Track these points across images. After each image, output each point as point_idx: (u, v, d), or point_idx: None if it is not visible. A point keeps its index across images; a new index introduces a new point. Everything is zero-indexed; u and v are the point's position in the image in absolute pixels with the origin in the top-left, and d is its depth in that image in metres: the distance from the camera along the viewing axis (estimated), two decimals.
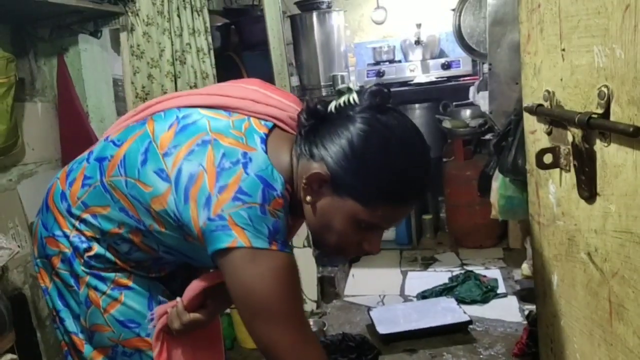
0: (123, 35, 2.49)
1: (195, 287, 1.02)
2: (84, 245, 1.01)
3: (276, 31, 2.78)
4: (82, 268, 1.02)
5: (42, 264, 1.09)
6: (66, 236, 1.02)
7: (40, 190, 2.36)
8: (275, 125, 1.00)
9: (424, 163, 0.92)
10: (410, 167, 0.89)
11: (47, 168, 2.43)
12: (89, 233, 1.01)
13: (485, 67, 2.72)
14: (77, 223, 1.01)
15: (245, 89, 1.05)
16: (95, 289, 1.02)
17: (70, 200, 1.02)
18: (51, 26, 2.39)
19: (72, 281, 1.03)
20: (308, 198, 0.92)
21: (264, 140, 0.93)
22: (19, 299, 2.13)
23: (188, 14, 2.52)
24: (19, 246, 2.04)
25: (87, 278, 1.02)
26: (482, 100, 2.57)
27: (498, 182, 2.55)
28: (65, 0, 2.03)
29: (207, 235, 0.87)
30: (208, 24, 2.61)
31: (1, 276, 2.04)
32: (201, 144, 0.91)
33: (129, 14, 2.44)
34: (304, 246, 2.73)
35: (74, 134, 2.48)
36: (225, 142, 0.91)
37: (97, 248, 1.01)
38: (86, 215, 1.00)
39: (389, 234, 3.59)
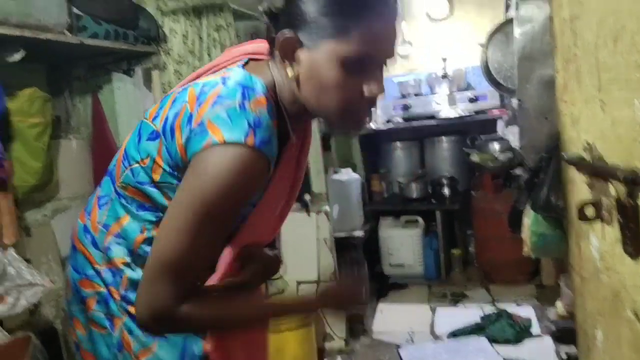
0: (155, 74, 2.56)
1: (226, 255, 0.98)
2: (117, 278, 0.99)
3: None
4: (119, 306, 1.00)
5: (77, 312, 1.09)
6: (98, 273, 1.01)
7: (73, 224, 2.41)
8: (250, 59, 0.98)
9: None
10: None
11: (80, 203, 2.48)
12: (118, 260, 0.98)
13: (514, 102, 2.70)
14: (104, 254, 1.00)
15: (229, 50, 1.07)
16: (130, 332, 1.01)
17: (92, 230, 1.02)
18: (86, 65, 2.46)
19: (106, 323, 1.02)
20: (290, 72, 0.88)
21: (242, 66, 0.93)
22: (50, 334, 2.15)
23: (218, 52, 2.57)
24: (51, 281, 2.07)
25: (124, 319, 0.99)
26: (511, 135, 2.55)
27: (530, 218, 2.49)
28: (101, 43, 2.10)
29: (187, 149, 0.84)
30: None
31: (34, 312, 2.07)
32: (182, 91, 0.92)
33: (161, 53, 2.51)
34: (331, 281, 2.72)
35: (107, 169, 2.54)
36: (205, 80, 0.91)
37: (129, 273, 0.98)
38: (109, 239, 0.99)
39: (417, 267, 3.54)
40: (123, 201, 0.98)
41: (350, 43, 0.82)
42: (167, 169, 0.91)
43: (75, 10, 2.02)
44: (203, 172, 0.83)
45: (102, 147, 2.53)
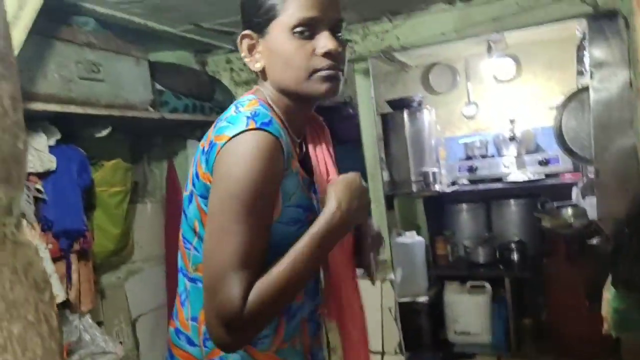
0: None
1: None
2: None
3: (369, 129, 2.85)
4: None
5: None
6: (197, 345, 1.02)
7: (145, 286, 2.50)
8: None
9: None
10: None
11: (153, 265, 2.56)
12: (217, 349, 0.98)
13: (590, 170, 2.59)
14: (202, 347, 1.01)
15: None
16: None
17: (184, 329, 1.04)
18: (164, 134, 2.60)
19: None
20: (257, 65, 1.00)
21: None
22: None
23: None
24: (121, 342, 2.13)
25: None
26: (588, 206, 2.42)
27: (610, 293, 2.34)
28: (180, 116, 2.22)
29: (209, 171, 0.92)
30: None
31: None
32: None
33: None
34: (396, 352, 2.63)
35: (178, 233, 2.63)
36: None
37: (232, 356, 1.00)
38: (202, 328, 1.00)
39: (484, 336, 3.37)
40: (199, 284, 0.98)
41: (290, 14, 0.94)
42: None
43: (157, 86, 2.15)
44: (222, 171, 0.90)
45: (174, 211, 2.63)
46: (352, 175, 0.99)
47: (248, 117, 0.91)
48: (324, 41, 0.95)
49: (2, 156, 0.46)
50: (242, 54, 1.01)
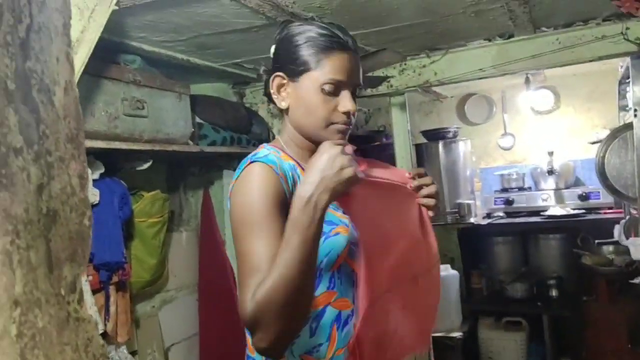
0: None
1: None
2: None
3: (405, 162, 2.83)
4: None
5: None
6: None
7: (178, 315, 2.52)
8: None
9: (322, 27, 1.12)
10: (314, 29, 1.11)
11: (186, 293, 2.58)
12: None
13: (634, 211, 2.51)
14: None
15: None
16: None
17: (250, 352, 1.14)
18: (201, 164, 2.64)
19: None
20: (283, 104, 1.13)
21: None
22: None
23: None
24: None
25: None
26: (632, 247, 2.34)
27: None
28: (218, 149, 2.25)
29: None
30: None
31: None
32: None
33: (278, 139, 2.63)
34: None
35: (211, 261, 2.65)
36: None
37: None
38: None
39: None
40: None
41: (323, 72, 1.08)
42: None
43: (197, 119, 2.20)
44: (230, 206, 1.07)
45: (208, 240, 2.65)
46: (323, 148, 0.99)
47: (248, 159, 1.09)
48: (346, 102, 1.10)
49: (69, 235, 0.47)
50: (272, 91, 1.15)
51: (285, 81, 1.13)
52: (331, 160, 0.93)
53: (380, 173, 1.18)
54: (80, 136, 0.49)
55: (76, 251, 0.48)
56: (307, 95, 1.10)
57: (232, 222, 1.04)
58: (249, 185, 1.03)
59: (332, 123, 1.10)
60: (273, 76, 1.14)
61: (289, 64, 1.11)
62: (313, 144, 1.13)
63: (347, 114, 1.10)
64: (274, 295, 0.90)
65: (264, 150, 1.11)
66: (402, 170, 1.26)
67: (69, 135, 0.49)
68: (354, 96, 1.13)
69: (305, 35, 1.11)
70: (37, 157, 0.45)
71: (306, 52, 1.09)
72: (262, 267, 0.94)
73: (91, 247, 0.50)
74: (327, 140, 1.04)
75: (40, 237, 0.44)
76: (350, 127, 1.13)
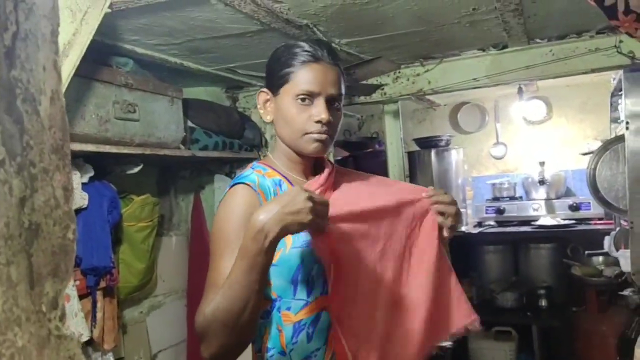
0: None
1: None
2: None
3: (397, 169, 2.83)
4: None
5: None
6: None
7: (166, 321, 2.49)
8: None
9: (303, 43, 1.19)
10: (292, 46, 1.18)
11: (174, 298, 2.55)
12: None
13: (624, 223, 2.52)
14: None
15: None
16: None
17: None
18: (192, 168, 2.62)
19: None
20: (268, 117, 1.21)
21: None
22: None
23: None
24: None
25: None
26: (622, 258, 2.35)
27: None
28: (210, 154, 2.23)
29: None
30: (332, 160, 2.74)
31: None
32: None
33: (262, 158, 2.62)
34: None
35: (201, 266, 2.62)
36: None
37: None
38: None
39: None
40: (259, 320, 1.11)
41: (297, 83, 1.14)
42: None
43: (190, 123, 2.18)
44: (212, 226, 1.16)
45: (198, 244, 2.62)
46: (295, 188, 1.02)
47: (232, 182, 1.17)
48: (318, 110, 1.14)
49: (52, 249, 0.46)
50: (258, 106, 1.23)
51: (269, 96, 1.20)
52: (294, 199, 0.95)
53: (383, 192, 1.20)
54: (65, 147, 0.48)
55: (59, 266, 0.46)
56: (284, 106, 1.16)
57: (211, 233, 1.15)
58: (225, 208, 1.12)
59: (308, 133, 1.15)
60: (259, 93, 1.23)
61: (271, 79, 1.20)
62: (298, 155, 1.20)
63: (320, 122, 1.14)
64: (217, 313, 0.98)
65: (249, 170, 1.19)
66: (419, 187, 1.27)
67: (54, 145, 0.47)
68: (333, 108, 1.17)
69: (287, 51, 1.18)
70: (20, 169, 0.43)
71: (284, 66, 1.17)
72: (219, 284, 1.01)
73: (74, 258, 0.48)
74: (303, 149, 1.17)
75: (21, 252, 0.42)
76: (329, 136, 1.17)
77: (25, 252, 0.43)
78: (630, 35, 1.16)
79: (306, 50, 1.16)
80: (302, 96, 1.14)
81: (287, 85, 1.15)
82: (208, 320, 0.98)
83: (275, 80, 1.18)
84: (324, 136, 1.16)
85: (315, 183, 1.19)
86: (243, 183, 1.13)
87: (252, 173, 1.17)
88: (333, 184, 1.23)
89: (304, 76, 1.15)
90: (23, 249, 0.43)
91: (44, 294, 0.45)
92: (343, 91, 1.21)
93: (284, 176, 1.20)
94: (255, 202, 1.11)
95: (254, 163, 1.25)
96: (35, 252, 0.44)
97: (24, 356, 0.42)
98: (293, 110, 1.15)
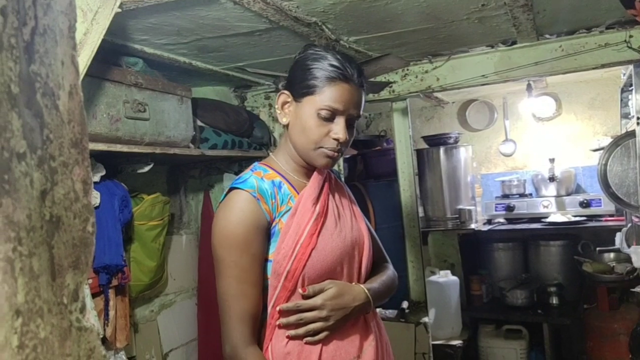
0: None
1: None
2: None
3: (406, 167, 2.82)
4: None
5: None
6: None
7: (177, 320, 2.50)
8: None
9: (335, 58, 1.20)
10: (322, 57, 1.19)
11: (185, 297, 2.57)
12: None
13: (635, 219, 2.50)
14: None
15: None
16: None
17: None
18: (201, 167, 2.63)
19: None
20: (284, 120, 1.23)
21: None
22: None
23: None
24: None
25: None
26: (634, 255, 2.33)
27: None
28: (219, 153, 2.24)
29: None
30: (341, 159, 2.74)
31: None
32: None
33: (271, 155, 2.62)
34: None
35: (211, 265, 2.62)
36: None
37: None
38: None
39: None
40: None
41: (323, 98, 1.16)
42: None
43: (199, 122, 2.19)
44: (213, 229, 1.18)
45: (208, 243, 2.63)
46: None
47: (231, 185, 1.20)
48: (338, 129, 1.18)
49: (73, 242, 0.46)
50: (276, 106, 1.25)
51: (289, 99, 1.22)
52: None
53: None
54: (84, 141, 0.48)
55: (79, 258, 0.47)
56: (305, 116, 1.18)
57: (212, 243, 1.17)
58: (227, 214, 1.16)
59: (321, 147, 1.19)
60: (279, 93, 1.24)
61: (296, 85, 1.21)
62: (305, 161, 1.24)
63: (337, 140, 1.18)
64: None
65: (248, 172, 1.23)
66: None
67: (73, 140, 0.48)
68: (350, 127, 1.22)
69: (317, 62, 1.19)
70: (41, 162, 0.44)
71: (312, 77, 1.18)
72: (249, 308, 1.14)
73: (93, 252, 0.49)
74: (313, 161, 1.21)
75: (42, 244, 0.43)
76: (340, 154, 1.21)
77: (47, 244, 0.43)
78: (636, 23, 1.14)
79: (336, 67, 1.17)
80: (325, 113, 1.17)
81: (311, 97, 1.18)
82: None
83: (299, 88, 1.20)
84: (336, 154, 1.20)
85: (313, 190, 1.24)
86: (241, 189, 1.16)
87: (251, 176, 1.20)
88: (328, 189, 1.29)
89: (331, 94, 1.17)
90: (44, 240, 0.43)
91: (65, 285, 0.45)
92: (362, 112, 1.25)
93: (284, 177, 1.24)
94: (256, 209, 1.15)
95: (255, 164, 1.28)
96: (57, 244, 0.44)
97: (46, 347, 0.42)
98: (312, 122, 1.17)
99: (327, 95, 1.16)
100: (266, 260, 1.18)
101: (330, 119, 1.17)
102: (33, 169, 0.43)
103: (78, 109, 0.48)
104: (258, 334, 1.19)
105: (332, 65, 1.17)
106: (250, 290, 1.14)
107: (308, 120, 1.17)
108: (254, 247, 1.14)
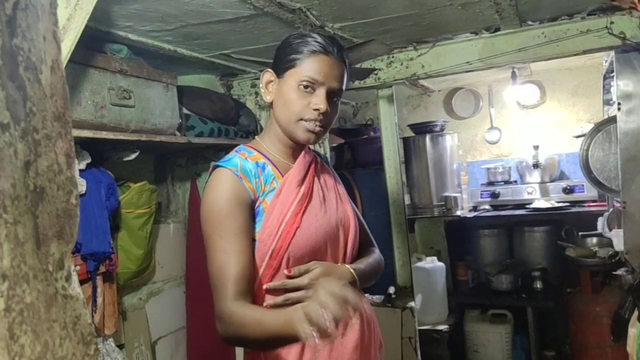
0: None
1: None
2: None
3: (392, 154, 2.84)
4: None
5: None
6: None
7: (165, 307, 2.51)
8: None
9: (316, 35, 1.24)
10: (305, 35, 1.24)
11: (173, 285, 2.58)
12: None
13: (617, 203, 2.55)
14: None
15: None
16: None
17: None
18: (188, 155, 2.63)
19: None
20: (268, 98, 1.26)
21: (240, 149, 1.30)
22: None
23: None
24: None
25: None
26: (615, 238, 2.38)
27: (637, 329, 2.29)
28: (205, 140, 2.24)
29: None
30: (328, 147, 2.75)
31: None
32: None
33: (257, 138, 2.63)
34: None
35: (199, 253, 2.63)
36: None
37: None
38: None
39: None
40: None
41: (303, 69, 1.19)
42: None
43: (184, 110, 2.19)
44: (201, 207, 1.21)
45: (196, 232, 2.64)
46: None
47: (216, 164, 1.23)
48: (318, 100, 1.19)
49: (57, 213, 0.48)
50: (260, 85, 1.28)
51: (273, 78, 1.25)
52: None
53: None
54: (67, 115, 0.49)
55: (63, 229, 0.48)
56: (286, 89, 1.21)
57: (201, 223, 1.20)
58: (213, 192, 1.19)
59: (303, 119, 1.20)
60: (264, 72, 1.26)
61: (279, 62, 1.25)
62: (288, 138, 1.26)
63: (317, 111, 1.19)
64: (242, 337, 1.13)
65: (233, 153, 1.26)
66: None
67: (56, 113, 0.49)
68: (333, 103, 1.23)
69: (299, 38, 1.23)
70: (24, 134, 0.45)
71: (293, 52, 1.21)
72: (236, 275, 1.13)
73: (78, 229, 0.50)
74: (294, 135, 1.22)
75: (27, 213, 0.44)
76: (323, 128, 1.22)
77: (31, 213, 0.44)
78: (616, 9, 1.17)
79: (318, 41, 1.21)
80: (306, 83, 1.19)
81: (292, 70, 1.20)
82: (231, 337, 1.13)
83: (282, 64, 1.23)
84: (317, 128, 1.21)
85: (298, 172, 1.27)
86: (224, 167, 1.20)
87: (235, 156, 1.23)
88: (314, 171, 1.32)
89: (311, 64, 1.19)
90: (29, 210, 0.44)
91: (50, 254, 0.46)
92: (344, 88, 1.26)
93: (268, 159, 1.26)
94: (239, 185, 1.18)
95: (240, 146, 1.30)
96: (41, 214, 0.46)
97: (32, 312, 0.43)
98: (294, 95, 1.20)
99: (308, 67, 1.19)
100: (253, 240, 1.20)
101: (311, 90, 1.20)
102: (17, 139, 0.44)
103: (60, 83, 0.50)
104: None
105: (314, 40, 1.21)
106: (237, 259, 1.14)
107: (289, 93, 1.20)
108: (240, 220, 1.16)
